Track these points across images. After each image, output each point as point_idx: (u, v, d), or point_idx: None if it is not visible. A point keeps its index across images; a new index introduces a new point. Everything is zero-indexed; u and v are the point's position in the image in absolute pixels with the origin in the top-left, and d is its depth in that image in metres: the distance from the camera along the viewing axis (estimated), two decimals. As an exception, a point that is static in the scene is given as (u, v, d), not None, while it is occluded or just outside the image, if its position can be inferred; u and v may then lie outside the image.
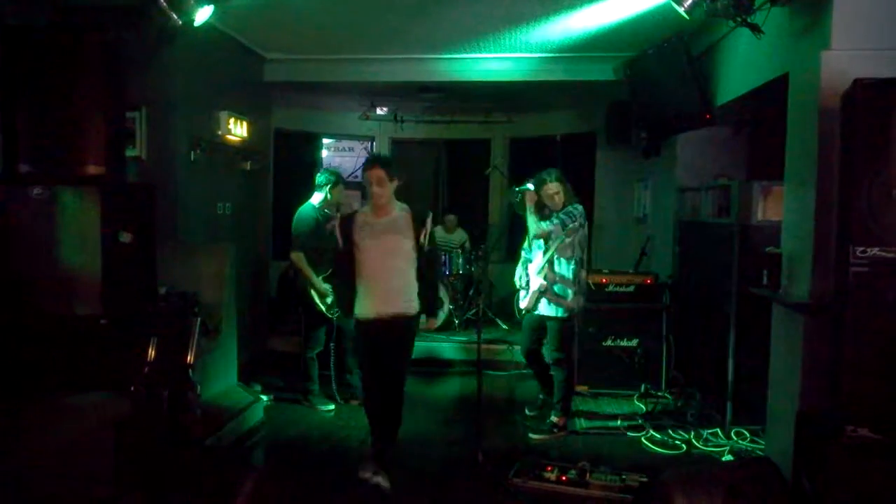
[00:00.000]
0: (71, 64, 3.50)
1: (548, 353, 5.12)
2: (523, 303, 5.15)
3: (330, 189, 5.54)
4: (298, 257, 5.38)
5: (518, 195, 5.05)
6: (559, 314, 4.94)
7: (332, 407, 5.57)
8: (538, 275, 4.98)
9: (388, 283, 4.12)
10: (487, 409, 4.93)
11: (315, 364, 5.59)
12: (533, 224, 4.95)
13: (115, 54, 3.68)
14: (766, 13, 3.87)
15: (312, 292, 5.41)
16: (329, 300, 5.39)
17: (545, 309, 4.99)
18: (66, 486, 2.98)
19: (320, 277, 5.40)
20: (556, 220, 4.89)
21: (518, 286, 5.22)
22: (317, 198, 5.58)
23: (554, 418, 5.04)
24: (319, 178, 5.64)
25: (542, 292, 4.97)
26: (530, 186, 4.97)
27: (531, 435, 5.00)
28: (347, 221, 4.23)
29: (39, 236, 3.38)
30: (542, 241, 5.00)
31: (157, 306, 3.93)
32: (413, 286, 4.18)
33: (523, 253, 5.21)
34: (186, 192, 5.66)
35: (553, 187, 4.92)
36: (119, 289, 3.47)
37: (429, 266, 4.29)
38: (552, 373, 5.09)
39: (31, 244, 3.38)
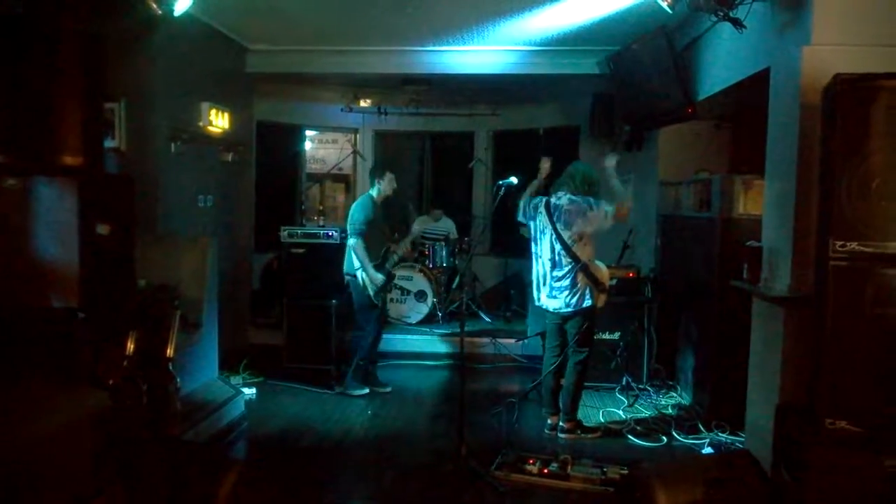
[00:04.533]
0: (48, 53, 3.43)
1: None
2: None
3: (377, 180, 5.73)
4: (357, 243, 5.53)
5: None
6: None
7: (366, 391, 5.76)
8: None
9: None
10: (470, 403, 4.92)
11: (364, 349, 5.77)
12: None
13: (94, 44, 3.62)
14: (749, 8, 3.88)
15: (364, 278, 5.57)
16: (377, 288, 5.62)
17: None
18: (42, 480, 2.93)
19: (372, 265, 5.55)
20: None
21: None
22: (374, 189, 5.79)
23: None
24: (371, 171, 5.95)
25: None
26: (514, 180, 4.94)
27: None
28: None
29: (14, 228, 3.31)
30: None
31: (136, 300, 3.88)
32: None
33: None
34: (167, 184, 5.59)
35: None
36: (97, 282, 3.41)
37: None
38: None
39: (6, 236, 3.32)
